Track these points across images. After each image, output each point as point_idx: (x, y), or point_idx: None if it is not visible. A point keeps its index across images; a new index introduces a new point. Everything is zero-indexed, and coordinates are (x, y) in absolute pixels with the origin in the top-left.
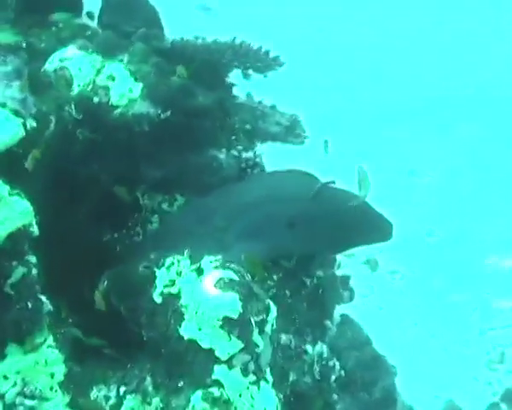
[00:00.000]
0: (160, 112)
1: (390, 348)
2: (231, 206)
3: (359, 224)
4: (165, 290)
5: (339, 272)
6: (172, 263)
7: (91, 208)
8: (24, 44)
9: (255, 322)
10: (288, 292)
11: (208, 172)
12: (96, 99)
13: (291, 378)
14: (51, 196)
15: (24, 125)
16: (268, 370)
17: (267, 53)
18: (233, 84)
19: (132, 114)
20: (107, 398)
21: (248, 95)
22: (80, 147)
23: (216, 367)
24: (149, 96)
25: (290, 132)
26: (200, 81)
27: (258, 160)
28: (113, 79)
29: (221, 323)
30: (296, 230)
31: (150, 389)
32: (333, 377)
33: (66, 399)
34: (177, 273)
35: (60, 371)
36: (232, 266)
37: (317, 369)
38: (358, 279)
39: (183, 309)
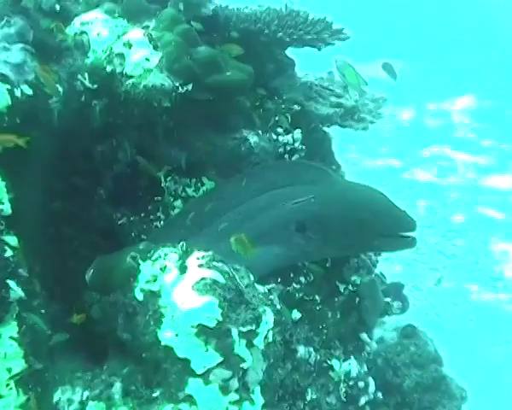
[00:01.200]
0: (178, 85)
1: (472, 368)
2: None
3: (381, 220)
4: (147, 287)
5: (387, 280)
6: (159, 256)
7: (107, 189)
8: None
9: (241, 333)
10: (318, 298)
11: (236, 156)
12: (109, 68)
13: (309, 397)
14: (60, 177)
15: (10, 92)
16: (257, 389)
17: (327, 24)
18: (283, 58)
19: (144, 86)
20: (70, 402)
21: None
22: (95, 121)
23: (191, 380)
24: (168, 67)
25: (350, 116)
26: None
27: (297, 145)
28: (130, 47)
29: (195, 331)
30: (309, 233)
31: (117, 397)
32: (363, 400)
33: (22, 399)
34: (161, 269)
35: (18, 366)
36: (220, 265)
37: (343, 389)
38: None
39: (162, 310)
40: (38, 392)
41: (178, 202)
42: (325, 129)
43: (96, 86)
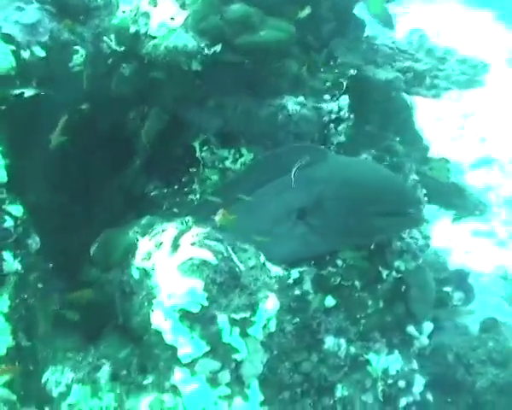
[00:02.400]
0: (203, 46)
1: None
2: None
3: (379, 197)
4: (142, 265)
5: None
6: (158, 232)
7: (139, 160)
8: None
9: (233, 320)
10: (358, 284)
11: (272, 125)
12: (133, 28)
13: (339, 394)
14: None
15: (16, 53)
16: (255, 383)
17: None
18: (349, 18)
19: (165, 47)
20: (57, 384)
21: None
22: (124, 86)
23: (176, 370)
24: (194, 26)
25: (418, 81)
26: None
27: (342, 113)
28: (156, 5)
29: (179, 316)
30: (310, 219)
31: (103, 381)
32: (403, 402)
33: (5, 378)
34: (156, 245)
35: (4, 342)
36: (213, 244)
37: (381, 387)
38: None
39: (154, 291)
40: (29, 370)
41: (215, 175)
42: (406, 97)
43: (123, 48)
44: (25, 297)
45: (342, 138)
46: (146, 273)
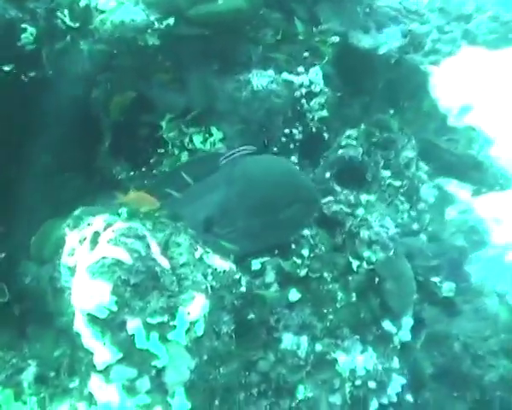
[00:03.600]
0: (153, 20)
1: None
2: None
3: (279, 192)
4: (67, 261)
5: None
6: (85, 225)
7: (105, 142)
8: None
9: (149, 325)
10: (327, 275)
11: (237, 102)
12: (83, 2)
13: (301, 395)
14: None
15: None
16: (181, 391)
17: None
18: None
19: (111, 23)
20: None
21: None
22: (83, 64)
23: (93, 376)
24: None
25: (413, 47)
26: None
27: (314, 87)
28: None
29: (88, 320)
30: (216, 229)
31: (26, 384)
32: (374, 404)
33: None
34: (80, 241)
35: None
36: (130, 241)
37: (348, 389)
38: None
39: None
40: None
41: (185, 155)
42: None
43: (77, 24)
44: None
45: (324, 113)
46: (70, 270)
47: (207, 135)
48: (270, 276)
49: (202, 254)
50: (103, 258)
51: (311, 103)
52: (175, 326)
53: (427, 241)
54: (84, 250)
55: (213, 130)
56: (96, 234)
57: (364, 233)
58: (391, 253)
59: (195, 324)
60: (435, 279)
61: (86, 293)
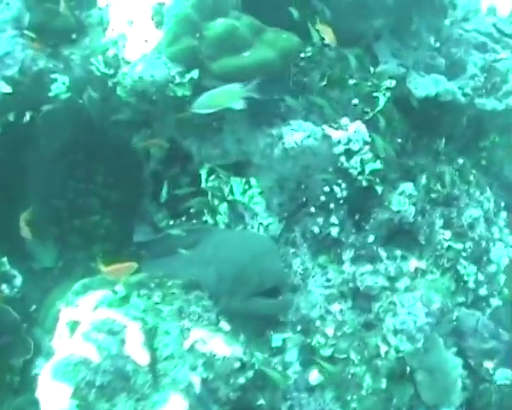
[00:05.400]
0: (175, 74)
1: None
2: None
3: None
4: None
5: None
6: (76, 304)
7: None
8: None
9: None
10: (355, 357)
11: (268, 158)
12: (112, 51)
13: None
14: None
15: None
16: None
17: None
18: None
19: (131, 78)
20: None
21: None
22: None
23: None
24: (166, 50)
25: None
26: None
27: (353, 144)
28: (131, 24)
29: None
30: None
31: None
32: None
33: None
34: (67, 324)
35: None
36: (101, 337)
37: None
38: None
39: None
40: None
41: (224, 207)
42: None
43: (111, 71)
44: None
45: (377, 166)
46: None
47: (247, 187)
48: (292, 354)
49: (195, 342)
50: (70, 355)
51: (363, 155)
52: None
53: (489, 315)
54: (65, 338)
55: (252, 182)
56: (74, 324)
57: (389, 321)
58: (419, 345)
59: None
60: (488, 365)
61: (48, 396)
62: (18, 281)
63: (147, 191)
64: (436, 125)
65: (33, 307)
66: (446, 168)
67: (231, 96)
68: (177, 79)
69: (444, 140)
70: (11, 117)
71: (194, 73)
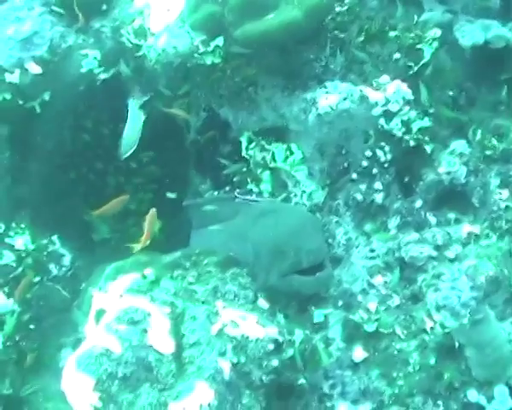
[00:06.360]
0: (198, 43)
1: None
2: None
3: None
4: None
5: None
6: (105, 290)
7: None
8: None
9: None
10: (401, 332)
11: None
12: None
13: None
14: None
15: None
16: None
17: None
18: None
19: (155, 50)
20: None
21: None
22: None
23: None
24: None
25: None
26: None
27: (391, 105)
28: None
29: None
30: None
31: None
32: None
33: None
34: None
35: None
36: (123, 329)
37: None
38: None
39: None
40: None
41: (266, 175)
42: None
43: (142, 42)
44: None
45: (425, 123)
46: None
47: (288, 153)
48: (335, 330)
49: (224, 326)
50: (93, 347)
51: (403, 115)
52: None
53: None
54: (92, 324)
55: (293, 148)
56: (99, 313)
57: (432, 296)
58: (464, 320)
59: None
60: None
61: (71, 387)
62: (67, 260)
63: (189, 162)
64: (495, 73)
65: (83, 285)
66: (504, 121)
67: None
68: (201, 49)
69: (505, 89)
70: (47, 96)
71: (219, 41)
